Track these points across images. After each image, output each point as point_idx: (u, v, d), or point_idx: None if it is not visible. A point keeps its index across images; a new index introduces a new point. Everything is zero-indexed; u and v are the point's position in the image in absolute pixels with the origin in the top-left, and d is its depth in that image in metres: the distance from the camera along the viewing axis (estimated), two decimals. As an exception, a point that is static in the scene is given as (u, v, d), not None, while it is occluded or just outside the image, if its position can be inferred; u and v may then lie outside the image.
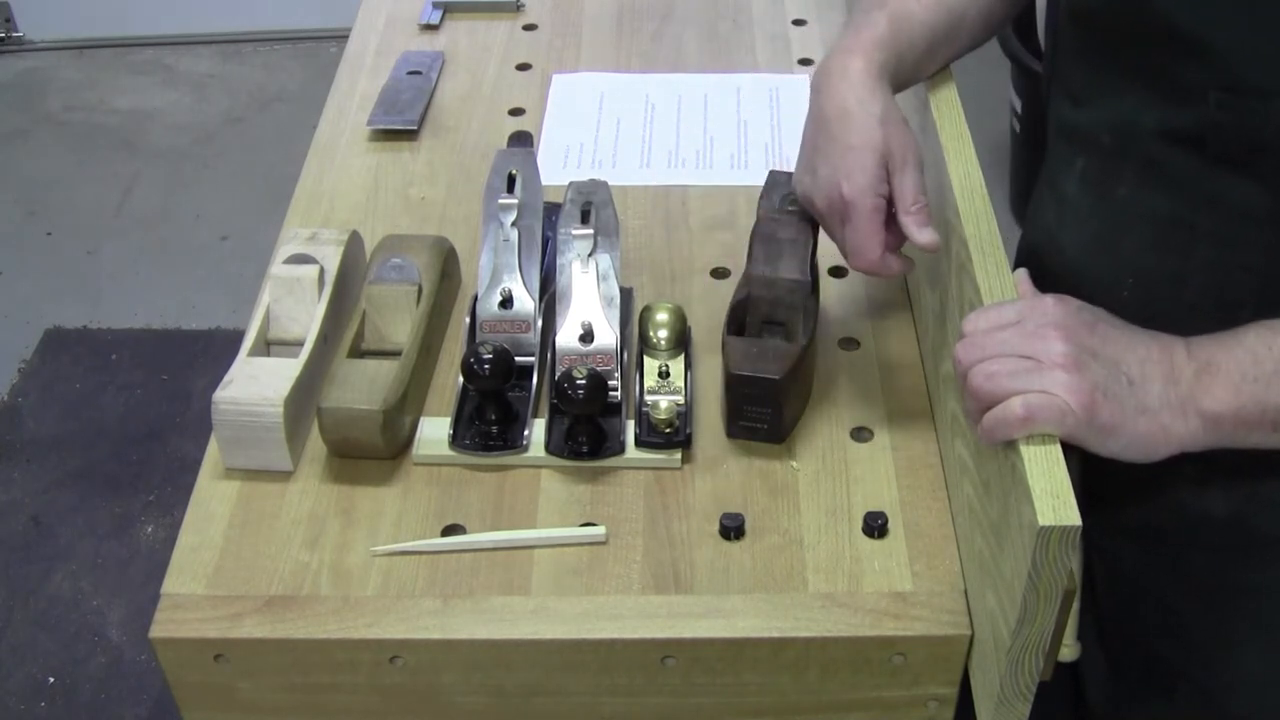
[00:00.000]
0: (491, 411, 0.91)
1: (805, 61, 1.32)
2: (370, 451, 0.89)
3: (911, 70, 0.90)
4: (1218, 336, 0.73)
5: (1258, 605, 0.86)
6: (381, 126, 1.22)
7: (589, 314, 0.93)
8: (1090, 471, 0.75)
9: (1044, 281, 0.82)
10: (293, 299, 0.95)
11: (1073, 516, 0.66)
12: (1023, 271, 0.81)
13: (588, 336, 0.93)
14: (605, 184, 0.97)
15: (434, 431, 0.91)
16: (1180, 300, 0.80)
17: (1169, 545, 0.88)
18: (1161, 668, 0.92)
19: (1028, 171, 0.95)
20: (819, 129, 0.86)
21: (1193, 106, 0.75)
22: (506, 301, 0.96)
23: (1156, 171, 0.80)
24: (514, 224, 0.96)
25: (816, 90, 0.88)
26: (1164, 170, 0.79)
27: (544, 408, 0.93)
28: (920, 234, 0.82)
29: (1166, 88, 0.77)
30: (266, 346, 0.94)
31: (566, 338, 0.93)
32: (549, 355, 0.94)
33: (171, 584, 0.83)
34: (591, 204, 0.96)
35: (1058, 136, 0.89)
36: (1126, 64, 0.80)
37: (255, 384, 0.89)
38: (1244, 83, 0.73)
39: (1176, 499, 0.85)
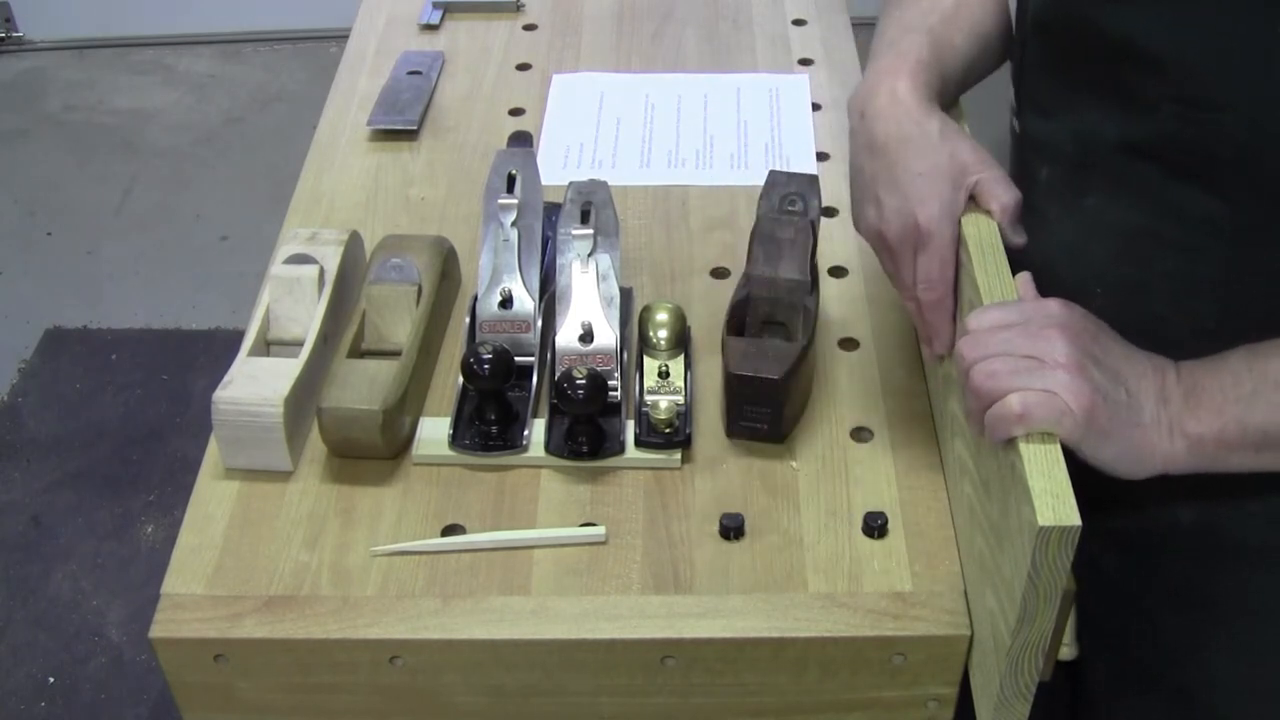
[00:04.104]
0: (491, 411, 0.91)
1: (805, 61, 1.32)
2: (370, 451, 0.89)
3: (943, 98, 0.87)
4: (1204, 361, 0.74)
5: (1230, 610, 0.87)
6: (381, 126, 1.22)
7: (589, 314, 0.93)
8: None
9: None
10: (293, 299, 0.95)
11: (1072, 516, 0.66)
12: (1025, 275, 0.81)
13: (588, 336, 0.93)
14: (605, 184, 0.97)
15: (434, 431, 0.91)
16: (1147, 310, 0.81)
17: (1142, 550, 0.89)
18: (1137, 668, 0.92)
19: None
20: (875, 157, 0.82)
21: (1149, 119, 0.76)
22: (506, 301, 0.96)
23: (1121, 182, 0.80)
24: (514, 224, 0.96)
25: (863, 115, 0.83)
26: (1127, 181, 0.80)
27: (544, 408, 0.93)
28: (1015, 237, 0.81)
29: (1124, 100, 0.77)
30: (266, 346, 0.94)
31: (566, 338, 0.93)
32: (549, 355, 0.94)
33: (171, 584, 0.83)
34: (591, 204, 0.96)
35: (1024, 145, 0.89)
36: (1086, 76, 0.80)
37: (255, 384, 0.89)
38: (1195, 95, 0.73)
39: (1147, 505, 0.85)
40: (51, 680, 1.82)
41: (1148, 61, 0.74)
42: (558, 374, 0.89)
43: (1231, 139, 0.73)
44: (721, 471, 0.90)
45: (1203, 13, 0.71)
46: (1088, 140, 0.82)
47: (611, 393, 0.90)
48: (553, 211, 0.99)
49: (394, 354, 0.92)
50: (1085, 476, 0.72)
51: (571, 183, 0.97)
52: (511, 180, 0.98)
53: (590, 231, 0.94)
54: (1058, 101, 0.84)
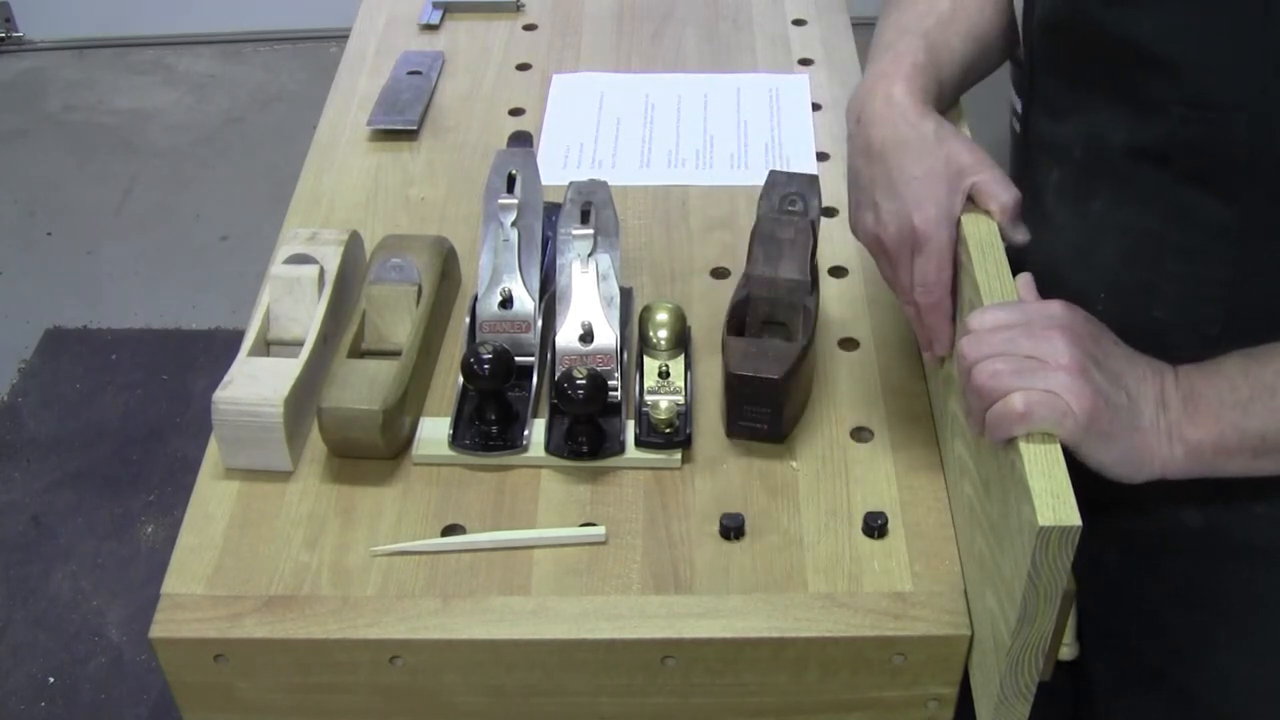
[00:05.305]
0: (491, 411, 0.91)
1: (805, 61, 1.32)
2: (370, 451, 0.89)
3: (940, 101, 0.87)
4: (1200, 366, 0.74)
5: (1233, 609, 0.87)
6: (381, 126, 1.22)
7: (589, 314, 0.93)
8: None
9: None
10: (293, 299, 0.95)
11: (1073, 516, 0.66)
12: (1026, 276, 0.81)
13: (588, 336, 0.93)
14: (605, 184, 0.97)
15: (434, 431, 0.91)
16: (1151, 314, 0.81)
17: (1144, 549, 0.89)
18: (1138, 667, 0.92)
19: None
20: (872, 162, 0.82)
21: (1158, 122, 0.76)
22: (506, 301, 0.96)
23: (1127, 185, 0.80)
24: (514, 224, 0.96)
25: (860, 120, 0.83)
26: (1135, 184, 0.80)
27: (544, 408, 0.93)
28: (1016, 235, 0.81)
29: (1133, 103, 0.77)
30: (266, 346, 0.94)
31: (566, 338, 0.93)
32: (549, 355, 0.94)
33: (171, 584, 0.83)
34: (591, 204, 0.96)
35: (1036, 147, 0.89)
36: (1095, 79, 0.80)
37: (255, 384, 0.89)
38: (1205, 97, 0.73)
39: (1150, 506, 0.85)
40: (51, 680, 1.82)
41: (1156, 64, 0.74)
42: (558, 374, 0.89)
43: (1239, 142, 0.73)
44: (721, 471, 0.90)
45: (1210, 15, 0.71)
46: (1096, 143, 0.82)
47: (611, 393, 0.90)
48: (553, 211, 0.99)
49: (394, 354, 0.92)
50: (1087, 477, 0.72)
51: (571, 183, 0.97)
52: (511, 180, 0.98)
53: (590, 231, 0.94)
54: (1066, 104, 0.84)
